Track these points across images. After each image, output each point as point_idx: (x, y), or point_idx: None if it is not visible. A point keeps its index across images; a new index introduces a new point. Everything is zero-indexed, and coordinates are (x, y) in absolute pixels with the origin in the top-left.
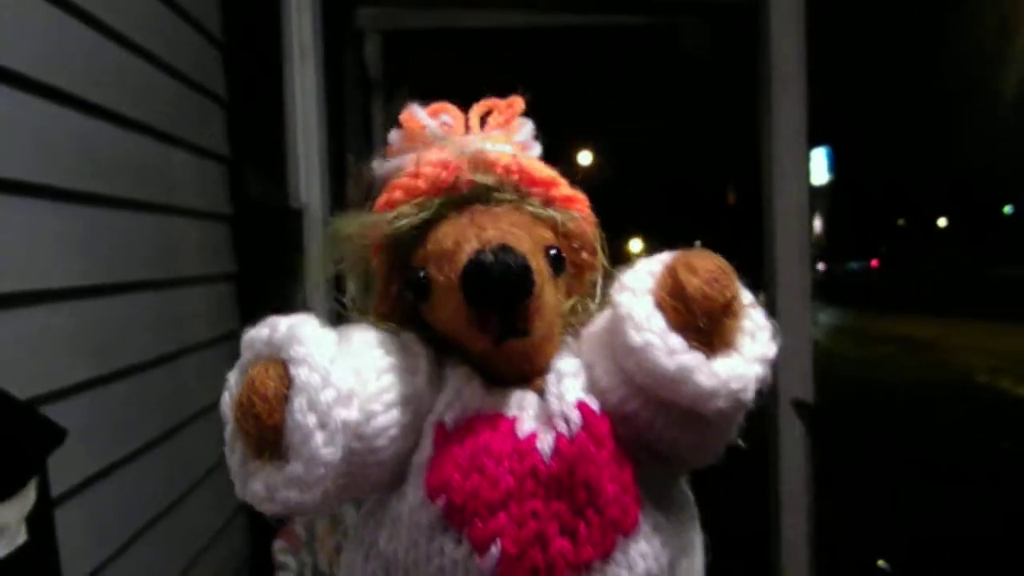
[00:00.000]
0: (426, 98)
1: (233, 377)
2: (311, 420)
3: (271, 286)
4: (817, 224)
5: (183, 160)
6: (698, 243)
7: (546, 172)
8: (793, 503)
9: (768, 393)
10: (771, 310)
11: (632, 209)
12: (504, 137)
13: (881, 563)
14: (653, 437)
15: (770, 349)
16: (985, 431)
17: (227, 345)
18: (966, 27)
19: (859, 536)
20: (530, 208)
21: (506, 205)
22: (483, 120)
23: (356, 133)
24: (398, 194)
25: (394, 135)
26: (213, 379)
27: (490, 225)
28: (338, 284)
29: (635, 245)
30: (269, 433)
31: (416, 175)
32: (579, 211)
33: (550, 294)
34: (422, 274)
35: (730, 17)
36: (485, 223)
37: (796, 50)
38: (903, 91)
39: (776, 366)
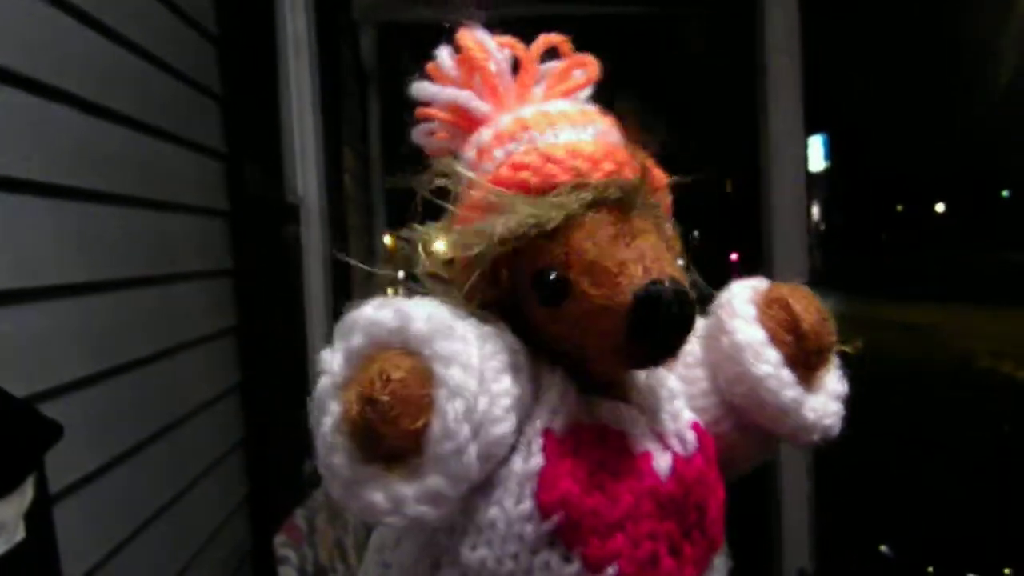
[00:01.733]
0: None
1: (336, 361)
2: (466, 430)
3: (269, 281)
4: (815, 211)
5: (179, 156)
6: (696, 233)
7: (664, 178)
8: (794, 489)
9: None
10: None
11: None
12: (589, 114)
13: (883, 548)
14: (730, 456)
15: (845, 387)
16: (987, 415)
17: (225, 340)
18: (963, 13)
19: (861, 522)
20: (655, 219)
21: (644, 213)
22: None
23: (352, 126)
24: (528, 175)
25: (445, 56)
26: (211, 374)
27: (650, 246)
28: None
29: None
30: (406, 440)
31: (549, 159)
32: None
33: None
34: (555, 275)
35: (726, 5)
36: (641, 243)
37: (791, 37)
38: (900, 77)
39: None
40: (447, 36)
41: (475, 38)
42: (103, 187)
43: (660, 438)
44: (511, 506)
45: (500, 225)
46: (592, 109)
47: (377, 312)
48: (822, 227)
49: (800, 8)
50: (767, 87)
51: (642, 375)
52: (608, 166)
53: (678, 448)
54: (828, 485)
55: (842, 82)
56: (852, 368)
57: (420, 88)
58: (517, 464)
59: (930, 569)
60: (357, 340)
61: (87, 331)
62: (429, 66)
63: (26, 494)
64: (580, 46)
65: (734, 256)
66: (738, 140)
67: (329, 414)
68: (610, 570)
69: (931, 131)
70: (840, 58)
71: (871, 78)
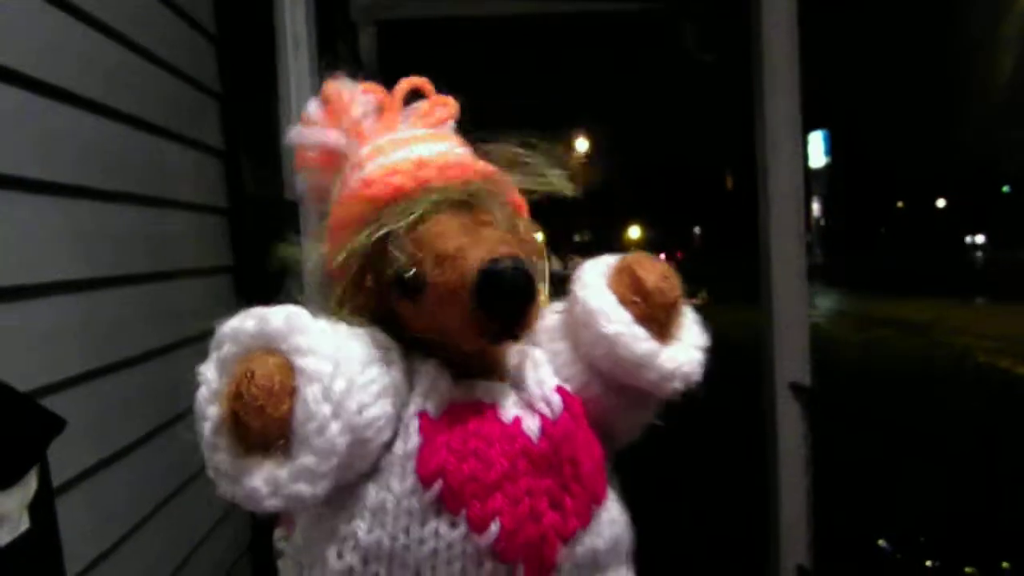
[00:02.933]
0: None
1: (210, 371)
2: (326, 410)
3: (267, 278)
4: (816, 207)
5: (179, 154)
6: (697, 229)
7: (507, 181)
8: (792, 485)
9: (766, 376)
10: (768, 293)
11: (630, 196)
12: (440, 135)
13: (881, 542)
14: (605, 418)
15: (705, 338)
16: (985, 410)
17: None
18: (964, 9)
19: (858, 517)
20: (499, 215)
21: (484, 211)
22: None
23: None
24: (376, 190)
25: (314, 106)
26: None
27: (491, 232)
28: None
29: (634, 232)
30: (274, 426)
31: (394, 172)
32: (524, 217)
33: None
34: (410, 272)
35: (724, 1)
36: (481, 229)
37: (789, 34)
38: (901, 73)
39: (773, 350)
40: (444, 33)
41: (337, 88)
42: (104, 185)
43: (529, 404)
44: (396, 485)
45: (356, 238)
46: (446, 133)
47: (240, 321)
48: (822, 223)
49: (799, 3)
50: (765, 83)
51: (513, 356)
52: (453, 172)
53: (545, 410)
54: (826, 481)
55: (843, 78)
56: (853, 366)
57: (294, 134)
58: (398, 448)
59: (928, 564)
60: (225, 348)
61: (89, 327)
62: (302, 115)
63: (29, 486)
64: (576, 43)
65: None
66: (739, 137)
67: (208, 419)
68: (493, 527)
69: (932, 127)
70: (841, 54)
71: (872, 74)
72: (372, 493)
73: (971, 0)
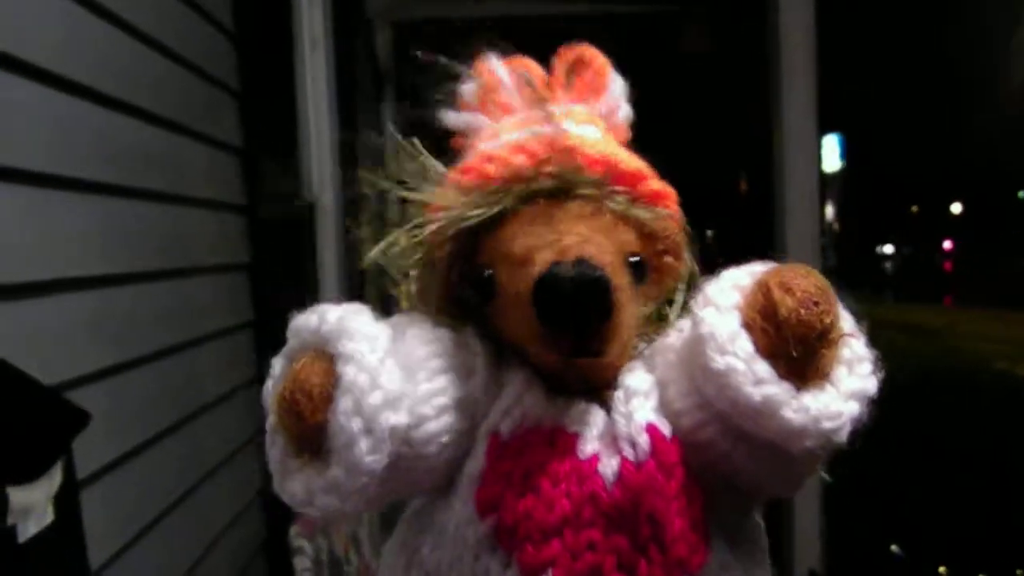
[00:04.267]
0: (435, 90)
1: (278, 365)
2: (356, 424)
3: (285, 276)
4: (829, 211)
5: (197, 151)
6: (710, 232)
7: (633, 164)
8: (805, 489)
9: None
10: None
11: None
12: (588, 113)
13: (894, 548)
14: (729, 467)
15: (870, 384)
16: (1000, 417)
17: (242, 334)
18: (977, 12)
19: (872, 522)
20: (612, 206)
21: (587, 201)
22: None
23: (368, 125)
24: (468, 177)
25: (468, 86)
26: (229, 367)
27: (568, 231)
28: (382, 272)
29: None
30: (311, 432)
31: (489, 159)
32: (666, 207)
33: (629, 311)
34: (487, 274)
35: (740, 3)
36: (562, 227)
37: (806, 36)
38: (916, 77)
39: None
40: (461, 34)
41: (487, 66)
42: (123, 181)
43: (613, 441)
44: (459, 509)
45: (428, 228)
46: (580, 110)
47: (306, 316)
48: (836, 227)
49: (816, 7)
50: (781, 86)
51: (626, 376)
52: (547, 157)
53: (628, 452)
54: (839, 485)
55: (858, 82)
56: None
57: (445, 117)
58: (468, 467)
59: (941, 570)
60: (290, 344)
61: (107, 323)
62: (458, 97)
63: (55, 478)
64: (595, 46)
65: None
66: (753, 140)
67: (268, 412)
68: None
69: (947, 131)
70: (856, 58)
71: (888, 78)
72: (440, 511)
73: (988, 4)
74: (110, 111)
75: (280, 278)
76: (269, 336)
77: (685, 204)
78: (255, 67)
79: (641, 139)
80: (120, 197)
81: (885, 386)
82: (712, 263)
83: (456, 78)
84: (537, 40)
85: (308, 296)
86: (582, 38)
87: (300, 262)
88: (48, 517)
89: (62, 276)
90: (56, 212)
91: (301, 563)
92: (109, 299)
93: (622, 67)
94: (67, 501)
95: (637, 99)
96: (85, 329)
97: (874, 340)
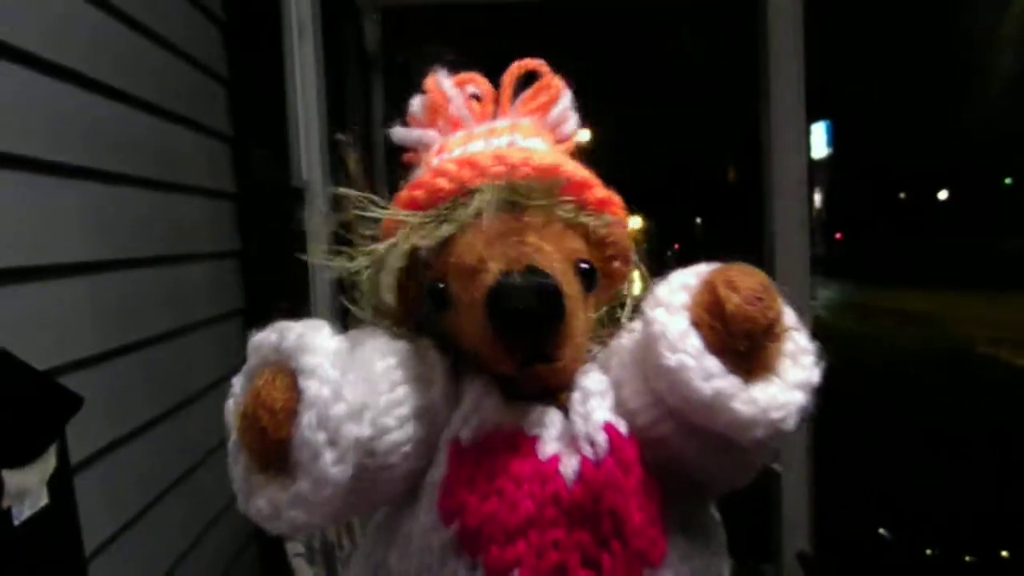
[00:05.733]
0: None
1: (238, 383)
2: (320, 437)
3: (275, 263)
4: (817, 198)
5: (187, 138)
6: (698, 220)
7: (579, 173)
8: (793, 472)
9: None
10: None
11: (631, 186)
12: (535, 126)
13: (882, 531)
14: (684, 462)
15: (813, 374)
16: (985, 401)
17: (233, 321)
18: (966, 0)
19: (860, 505)
20: (561, 214)
21: (535, 212)
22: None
23: (356, 112)
24: (419, 193)
25: (416, 103)
26: (220, 353)
27: (517, 241)
28: (343, 285)
29: (634, 222)
30: (275, 448)
31: (440, 173)
32: (613, 214)
33: (581, 317)
34: (442, 286)
35: None
36: (512, 238)
37: (794, 24)
38: (903, 65)
39: None
40: (449, 21)
41: (435, 83)
42: (113, 168)
43: (572, 441)
44: (422, 517)
45: (388, 255)
46: (527, 123)
47: (265, 334)
48: (824, 215)
49: None
50: (769, 73)
51: (582, 377)
52: (497, 170)
53: (587, 451)
54: (827, 469)
55: (846, 69)
56: (854, 355)
57: (395, 133)
58: (430, 476)
59: (928, 552)
60: (251, 361)
61: (99, 309)
62: (408, 113)
63: (49, 462)
64: (575, 36)
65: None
66: (741, 128)
67: (231, 430)
68: None
69: (934, 119)
70: (844, 45)
71: (875, 65)
72: (405, 520)
73: None
74: (101, 98)
75: (270, 265)
76: (259, 323)
77: (673, 193)
78: (245, 55)
79: (631, 129)
80: (110, 184)
81: (871, 370)
82: (700, 250)
83: (444, 65)
84: (524, 27)
85: (298, 283)
86: (570, 26)
87: (290, 249)
88: (43, 500)
89: (53, 262)
90: (46, 198)
91: (293, 548)
92: (100, 285)
93: (609, 55)
94: (61, 485)
95: (626, 90)
96: (76, 315)
97: (863, 324)
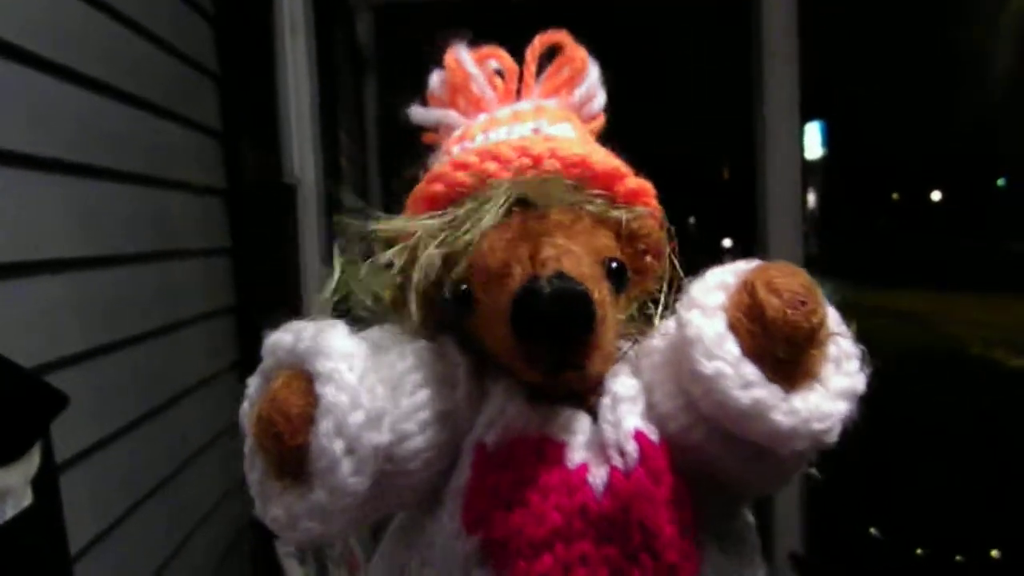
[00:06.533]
0: (418, 76)
1: (253, 384)
2: (338, 446)
3: (266, 260)
4: (811, 198)
5: (177, 134)
6: (692, 219)
7: (609, 163)
8: None
9: None
10: None
11: None
12: (562, 109)
13: (873, 531)
14: (716, 468)
15: (858, 381)
16: (977, 401)
17: (224, 318)
18: (962, 1)
19: (851, 506)
20: (590, 209)
21: (563, 208)
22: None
23: (348, 109)
24: (439, 187)
25: (435, 79)
26: (210, 351)
27: (544, 241)
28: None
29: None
30: (291, 454)
31: (460, 166)
32: (645, 205)
33: (611, 321)
34: (464, 287)
35: None
36: (538, 238)
37: (788, 23)
38: (898, 65)
39: None
40: (443, 18)
41: (455, 58)
42: (102, 163)
43: (601, 449)
44: (447, 523)
45: (415, 272)
46: (553, 106)
47: (280, 334)
48: (818, 214)
49: None
50: (764, 73)
51: (612, 381)
52: (521, 163)
53: (616, 461)
54: (819, 469)
55: (840, 69)
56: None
57: (414, 113)
58: (454, 480)
59: (919, 552)
60: (267, 361)
61: (88, 306)
62: (427, 92)
63: (33, 461)
64: (578, 31)
65: (727, 242)
66: (736, 127)
67: (247, 434)
68: None
69: (928, 119)
70: (838, 45)
71: (869, 66)
72: (427, 525)
73: None
74: (90, 92)
75: (261, 262)
76: (250, 320)
77: (667, 192)
78: (235, 51)
79: (624, 127)
80: (100, 179)
81: (867, 371)
82: (692, 250)
83: (437, 63)
84: (515, 25)
85: (289, 280)
86: (565, 23)
87: (281, 246)
88: (27, 500)
89: (40, 258)
90: (34, 194)
91: (283, 547)
92: (89, 282)
93: (606, 52)
94: (46, 484)
95: (619, 88)
96: (63, 311)
97: (856, 324)
